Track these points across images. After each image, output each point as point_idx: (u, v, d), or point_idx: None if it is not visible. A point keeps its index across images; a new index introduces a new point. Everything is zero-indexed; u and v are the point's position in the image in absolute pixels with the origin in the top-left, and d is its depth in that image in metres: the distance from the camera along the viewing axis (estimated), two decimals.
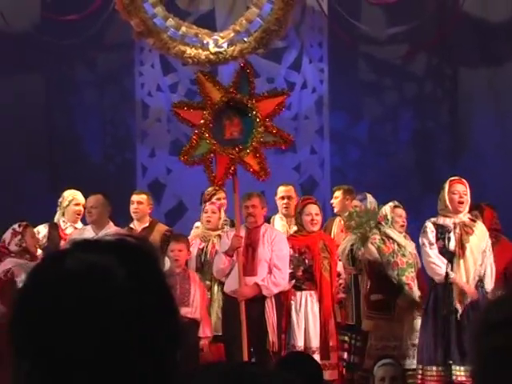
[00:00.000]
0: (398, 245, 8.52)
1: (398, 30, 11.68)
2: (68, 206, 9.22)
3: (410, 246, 8.51)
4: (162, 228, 9.19)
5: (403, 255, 8.45)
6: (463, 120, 11.98)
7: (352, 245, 8.67)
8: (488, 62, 11.71)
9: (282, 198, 9.25)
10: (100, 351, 1.32)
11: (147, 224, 9.19)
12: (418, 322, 8.35)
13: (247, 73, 8.17)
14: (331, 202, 9.49)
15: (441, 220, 8.04)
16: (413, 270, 8.54)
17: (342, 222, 9.16)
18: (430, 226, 8.08)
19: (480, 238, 8.05)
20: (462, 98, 12.02)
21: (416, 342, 8.37)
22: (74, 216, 9.22)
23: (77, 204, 9.23)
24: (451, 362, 7.74)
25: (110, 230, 8.60)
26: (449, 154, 11.98)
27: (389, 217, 8.61)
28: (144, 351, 1.34)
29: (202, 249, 8.78)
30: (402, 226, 8.68)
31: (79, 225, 9.23)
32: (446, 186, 8.07)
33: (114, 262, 1.36)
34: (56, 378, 1.33)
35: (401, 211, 8.60)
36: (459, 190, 8.01)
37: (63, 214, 9.34)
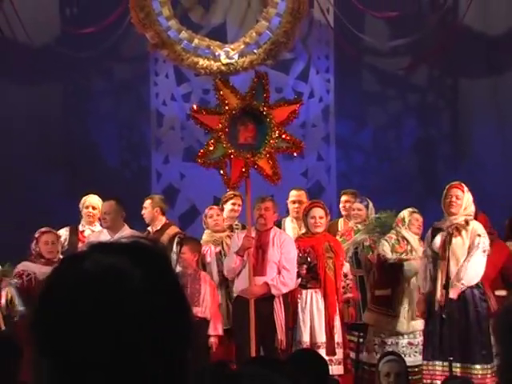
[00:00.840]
0: (411, 247, 8.66)
1: (400, 42, 11.84)
2: (82, 209, 9.34)
3: (420, 251, 8.59)
4: (172, 230, 9.20)
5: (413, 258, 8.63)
6: (463, 128, 12.11)
7: (356, 248, 8.87)
8: (488, 72, 11.83)
9: (293, 202, 9.31)
10: (115, 351, 1.33)
11: (159, 227, 9.25)
12: (418, 322, 8.48)
13: (263, 82, 8.25)
14: (342, 205, 9.56)
15: (441, 223, 8.13)
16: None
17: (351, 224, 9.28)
18: (429, 230, 8.24)
19: (467, 238, 8.08)
20: (462, 108, 12.17)
21: (413, 341, 8.51)
22: (88, 219, 9.31)
23: (87, 206, 9.34)
24: (451, 358, 7.78)
25: (125, 232, 8.62)
26: (450, 161, 12.04)
27: (406, 220, 8.72)
28: (156, 350, 1.35)
29: (220, 252, 8.83)
30: (418, 228, 8.82)
31: (97, 227, 9.30)
32: (445, 190, 8.19)
33: (129, 264, 1.37)
34: (73, 377, 1.34)
35: (418, 216, 8.77)
36: (452, 194, 8.09)
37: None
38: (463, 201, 8.04)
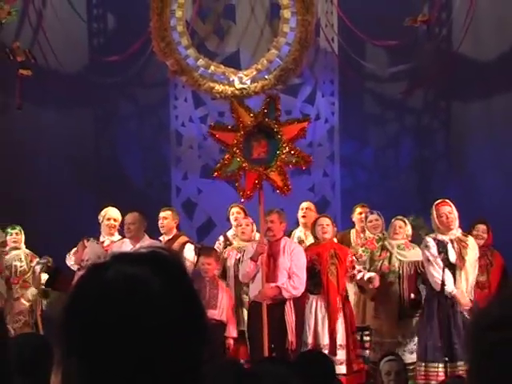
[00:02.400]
0: (390, 254, 8.70)
1: (398, 68, 11.94)
2: (102, 221, 9.34)
3: (403, 255, 8.57)
4: (182, 239, 9.16)
5: None
6: (457, 147, 12.12)
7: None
8: (479, 96, 11.85)
9: (302, 209, 9.46)
10: (136, 354, 1.33)
11: (171, 236, 9.19)
12: (413, 321, 8.43)
13: (275, 102, 8.38)
14: (358, 217, 9.46)
15: (439, 236, 8.12)
16: None
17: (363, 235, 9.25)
18: (431, 241, 8.15)
19: (473, 251, 8.12)
20: (455, 129, 12.23)
21: (402, 341, 8.43)
22: (107, 229, 9.29)
23: (108, 219, 9.31)
24: (447, 359, 7.81)
25: (145, 242, 8.50)
26: (445, 178, 12.01)
27: (389, 229, 8.78)
28: (175, 351, 1.35)
29: (239, 259, 8.84)
30: (398, 233, 8.71)
31: (116, 237, 9.28)
32: (433, 210, 8.23)
33: (149, 273, 1.37)
34: (97, 376, 1.34)
35: (397, 222, 8.74)
36: (444, 211, 8.15)
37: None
38: (454, 214, 8.15)
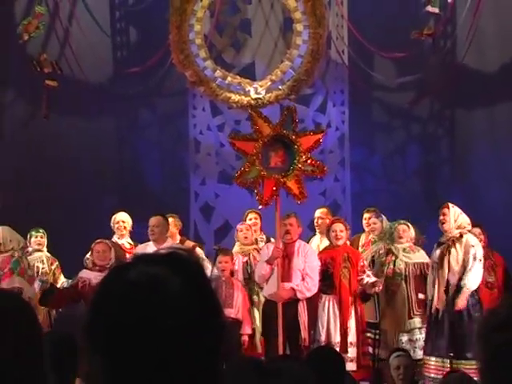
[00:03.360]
0: (395, 257, 8.74)
1: (405, 79, 11.96)
2: (113, 224, 9.33)
3: (410, 258, 8.66)
4: (188, 244, 9.18)
5: None
6: (460, 154, 12.13)
7: (373, 256, 8.88)
8: (482, 106, 11.84)
9: (315, 218, 9.51)
10: (157, 351, 1.32)
11: (177, 242, 9.10)
12: (415, 321, 8.50)
13: (292, 114, 8.34)
14: (366, 222, 9.36)
15: (442, 238, 8.20)
16: None
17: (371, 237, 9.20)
18: (435, 245, 8.28)
19: (461, 249, 8.05)
20: (458, 136, 12.26)
21: (413, 337, 8.48)
22: (120, 232, 9.30)
23: (118, 222, 9.32)
24: (452, 354, 7.86)
25: (168, 245, 8.23)
26: (448, 182, 12.06)
27: (394, 234, 8.81)
28: (194, 346, 1.34)
29: (246, 262, 8.84)
30: (402, 237, 8.79)
31: (126, 238, 9.27)
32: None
33: (169, 273, 1.36)
34: (122, 372, 1.34)
35: (401, 227, 8.83)
36: (440, 213, 8.21)
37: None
38: (450, 216, 8.10)
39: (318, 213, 9.59)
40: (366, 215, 9.29)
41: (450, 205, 8.22)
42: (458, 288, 7.98)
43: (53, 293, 8.34)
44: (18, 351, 1.59)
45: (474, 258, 7.99)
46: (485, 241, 8.82)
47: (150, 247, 8.27)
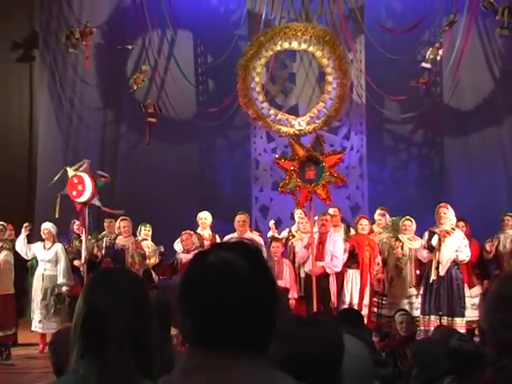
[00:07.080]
0: (402, 244, 9.20)
1: (407, 115, 12.94)
2: (199, 221, 9.96)
3: (412, 245, 9.17)
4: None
5: None
6: (446, 169, 13.09)
7: (378, 244, 9.33)
8: (462, 134, 12.85)
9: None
10: (231, 317, 1.53)
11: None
12: (412, 290, 9.05)
13: (320, 140, 8.90)
14: (378, 218, 9.78)
15: (434, 228, 8.75)
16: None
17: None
18: (426, 233, 8.87)
19: (454, 239, 8.56)
20: (446, 157, 13.18)
21: (411, 301, 8.94)
22: (203, 226, 9.87)
23: (200, 218, 9.94)
24: (441, 313, 8.46)
25: (247, 235, 8.78)
26: (438, 190, 12.94)
27: (400, 226, 9.17)
28: (259, 312, 1.54)
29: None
30: (407, 230, 9.11)
31: (207, 230, 9.70)
32: (436, 208, 8.84)
33: (238, 257, 1.55)
34: (203, 331, 1.55)
35: (406, 222, 9.20)
36: (441, 211, 8.70)
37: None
38: (448, 214, 8.72)
39: (331, 211, 9.77)
40: (378, 211, 10.08)
41: (449, 206, 8.75)
42: (454, 261, 8.50)
43: (160, 265, 9.66)
44: (151, 314, 1.89)
45: (466, 246, 8.63)
46: (467, 231, 9.46)
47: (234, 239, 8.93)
